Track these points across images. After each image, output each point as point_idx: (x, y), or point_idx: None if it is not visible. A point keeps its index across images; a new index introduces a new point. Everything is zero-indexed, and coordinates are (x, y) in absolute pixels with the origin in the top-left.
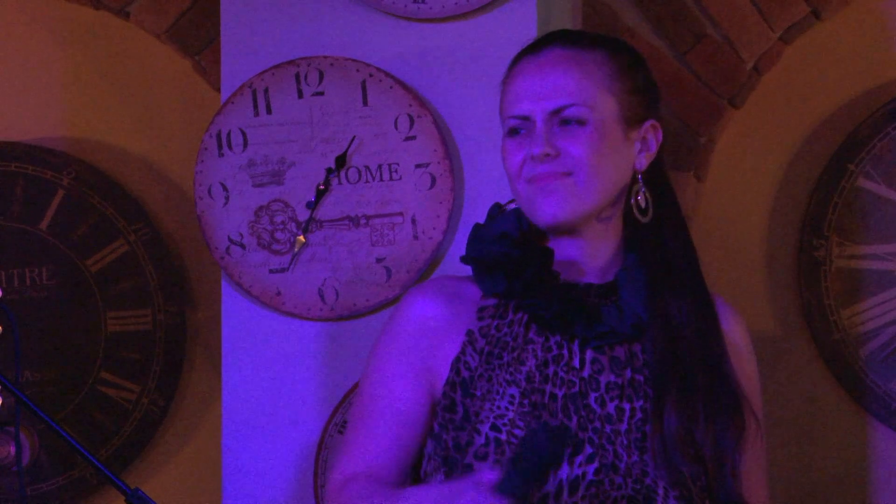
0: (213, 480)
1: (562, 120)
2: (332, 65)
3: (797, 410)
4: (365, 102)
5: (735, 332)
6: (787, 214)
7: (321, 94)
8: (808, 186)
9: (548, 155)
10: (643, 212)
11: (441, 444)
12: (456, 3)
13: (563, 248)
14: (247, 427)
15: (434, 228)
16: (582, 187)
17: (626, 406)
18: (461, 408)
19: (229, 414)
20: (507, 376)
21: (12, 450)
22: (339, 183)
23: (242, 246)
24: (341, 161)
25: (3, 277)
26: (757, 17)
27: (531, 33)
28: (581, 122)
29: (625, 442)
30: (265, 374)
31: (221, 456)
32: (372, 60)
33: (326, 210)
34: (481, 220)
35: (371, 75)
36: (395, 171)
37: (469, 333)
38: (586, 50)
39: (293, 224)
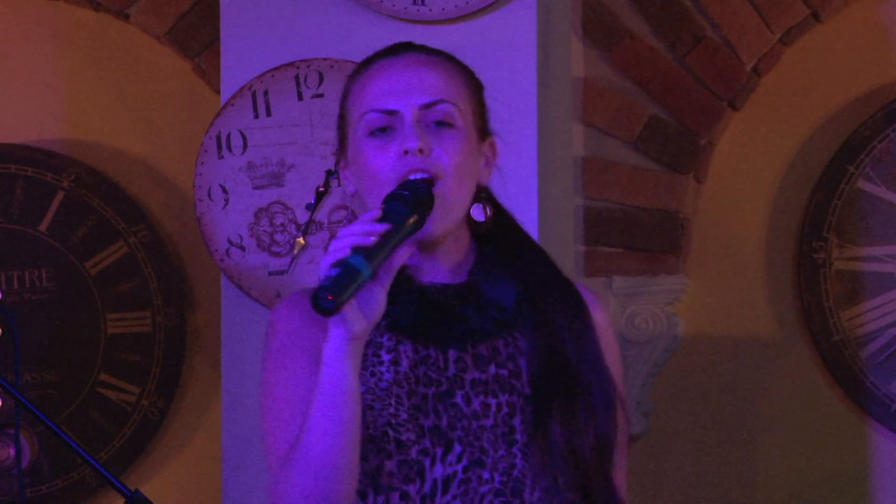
0: (212, 482)
1: (431, 121)
2: (331, 67)
3: (797, 411)
4: None
5: (598, 318)
6: (786, 216)
7: (321, 95)
8: (808, 188)
9: (421, 151)
10: (483, 225)
11: None
12: (456, 6)
13: (434, 248)
14: (246, 429)
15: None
16: (449, 198)
17: (492, 401)
18: None
19: (228, 416)
20: (390, 374)
21: (12, 452)
22: (339, 185)
23: (242, 248)
24: None
25: (2, 279)
26: (756, 18)
27: (531, 35)
28: (450, 125)
29: (491, 437)
30: None
31: (221, 457)
32: None
33: (326, 212)
34: None
35: None
36: None
37: None
38: (445, 59)
39: (293, 226)
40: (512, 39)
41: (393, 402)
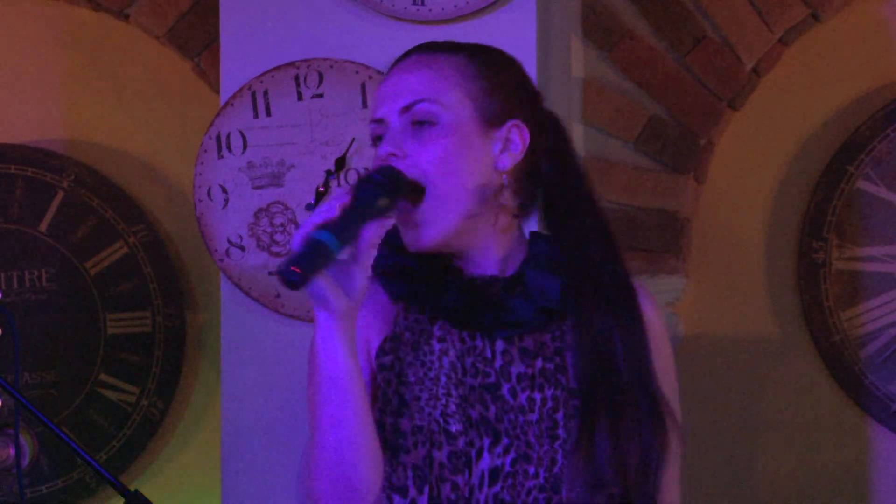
0: (212, 482)
1: (413, 121)
2: (331, 67)
3: (796, 411)
4: (364, 104)
5: (651, 320)
6: (786, 216)
7: (321, 96)
8: (808, 188)
9: (393, 155)
10: (515, 211)
11: (381, 427)
12: (456, 6)
13: (471, 245)
14: (246, 429)
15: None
16: (440, 195)
17: (537, 396)
18: (396, 396)
19: (228, 416)
20: (438, 364)
21: (12, 452)
22: (339, 185)
23: (242, 248)
24: (341, 163)
25: (2, 279)
26: (756, 18)
27: (530, 35)
28: (431, 123)
29: (536, 431)
30: (264, 376)
31: (221, 457)
32: (371, 62)
33: None
34: None
35: (371, 77)
36: None
37: (394, 322)
38: (444, 53)
39: (293, 226)
40: (512, 39)
41: (442, 393)
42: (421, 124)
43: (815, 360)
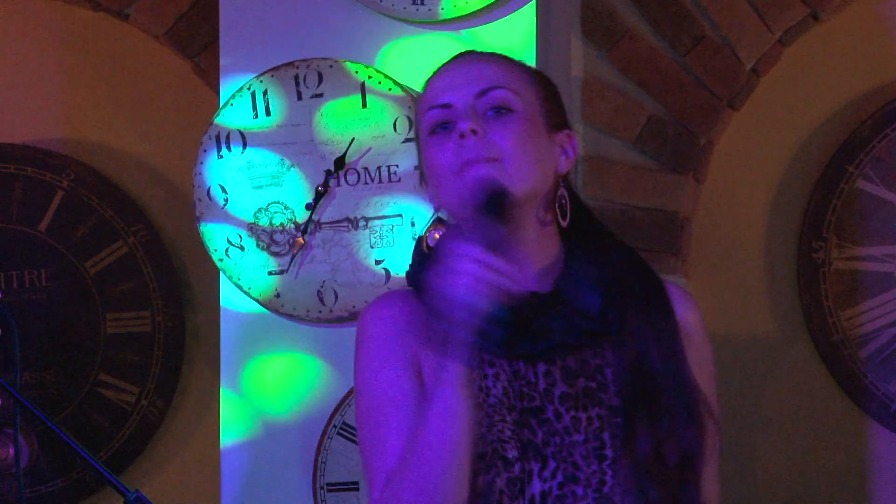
0: (212, 482)
1: (489, 106)
2: (331, 66)
3: (796, 411)
4: (364, 104)
5: (687, 319)
6: (786, 216)
7: (320, 95)
8: (808, 188)
9: (475, 132)
10: (564, 215)
11: None
12: (455, 6)
13: (514, 245)
14: (245, 429)
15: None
16: (512, 171)
17: (582, 416)
18: None
19: (228, 415)
20: (495, 392)
21: (12, 452)
22: (339, 185)
23: (241, 248)
24: (340, 163)
25: (2, 279)
26: (756, 18)
27: (530, 35)
28: (509, 109)
29: (583, 452)
30: (264, 375)
31: (220, 457)
32: (371, 62)
33: (325, 212)
34: None
35: (370, 77)
36: (394, 173)
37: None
38: (502, 56)
39: (292, 226)
40: (511, 39)
41: (498, 419)
42: (498, 109)
43: (815, 360)
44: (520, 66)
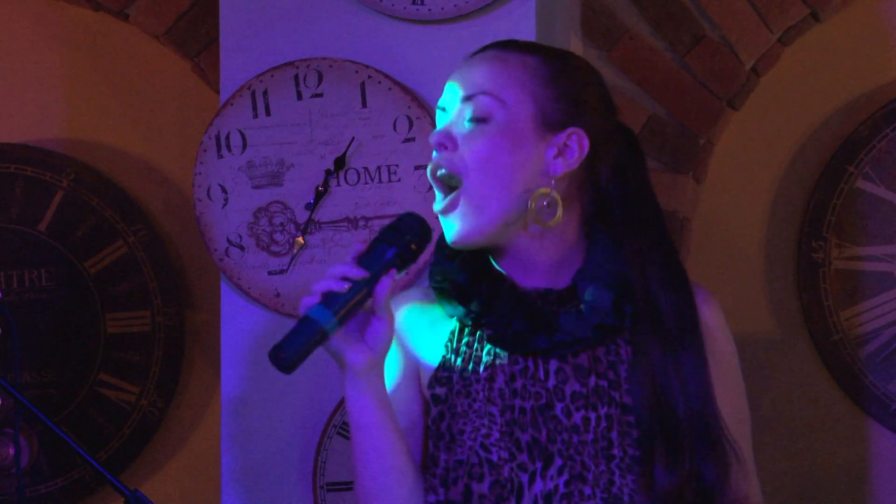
0: (211, 482)
1: (469, 117)
2: (331, 66)
3: (796, 411)
4: (364, 104)
5: (708, 320)
6: (786, 216)
7: (320, 95)
8: (807, 188)
9: (442, 145)
10: (540, 216)
11: (435, 463)
12: (455, 5)
13: (514, 250)
14: (245, 429)
15: (433, 230)
16: (474, 195)
17: (592, 415)
18: (448, 432)
19: (228, 415)
20: (484, 394)
21: (11, 451)
22: (338, 185)
23: (241, 247)
24: (340, 163)
25: (2, 279)
26: (756, 18)
27: (530, 35)
28: (485, 119)
29: (591, 452)
30: (264, 375)
31: (220, 457)
32: (371, 62)
33: (325, 212)
34: None
35: (370, 77)
36: (394, 173)
37: (446, 346)
38: (517, 52)
39: (292, 226)
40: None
41: (486, 422)
42: (476, 119)
43: (815, 360)
44: (527, 63)
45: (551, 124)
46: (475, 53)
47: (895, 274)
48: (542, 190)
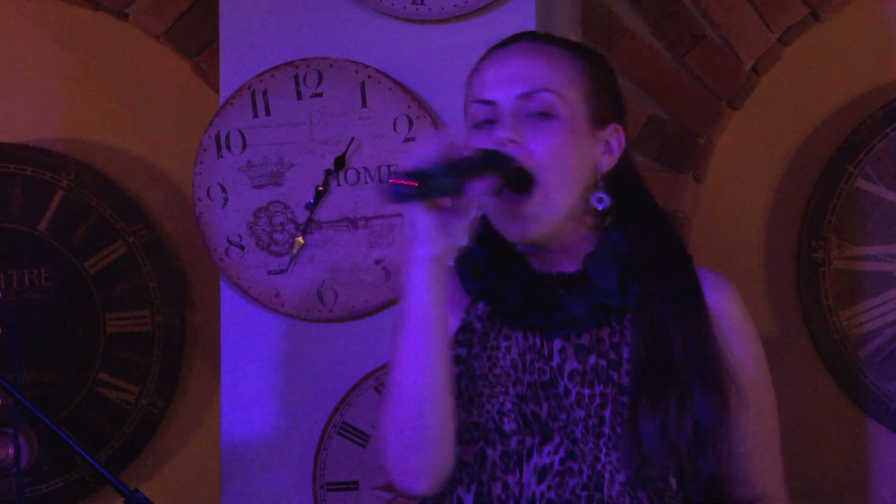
0: (212, 481)
1: (531, 112)
2: (331, 66)
3: (796, 411)
4: (364, 104)
5: (723, 304)
6: (786, 216)
7: (320, 95)
8: (807, 188)
9: (512, 141)
10: (601, 215)
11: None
12: (455, 5)
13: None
14: (246, 428)
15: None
16: (550, 191)
17: (586, 392)
18: (465, 391)
19: (228, 415)
20: (504, 363)
21: (11, 451)
22: (338, 184)
23: (241, 247)
24: (340, 162)
25: (2, 279)
26: (756, 18)
27: None
28: (550, 115)
29: (583, 429)
30: (264, 375)
31: (220, 457)
32: (371, 62)
33: (325, 211)
34: None
35: (370, 77)
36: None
37: (467, 311)
38: (558, 47)
39: (292, 225)
40: None
41: (501, 391)
42: (540, 115)
43: (815, 360)
44: (570, 58)
45: (598, 121)
46: (503, 45)
47: (895, 274)
48: (594, 184)
